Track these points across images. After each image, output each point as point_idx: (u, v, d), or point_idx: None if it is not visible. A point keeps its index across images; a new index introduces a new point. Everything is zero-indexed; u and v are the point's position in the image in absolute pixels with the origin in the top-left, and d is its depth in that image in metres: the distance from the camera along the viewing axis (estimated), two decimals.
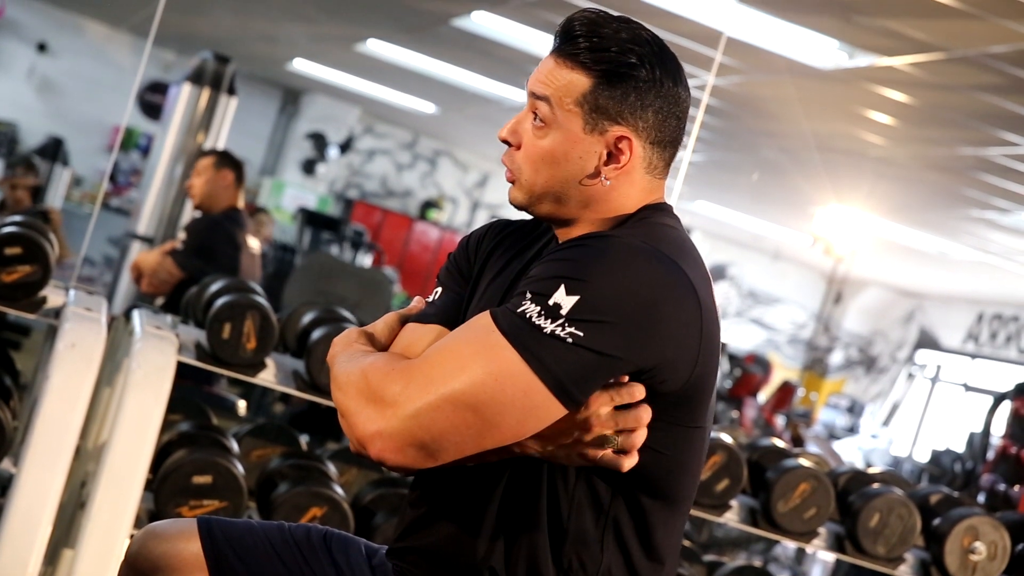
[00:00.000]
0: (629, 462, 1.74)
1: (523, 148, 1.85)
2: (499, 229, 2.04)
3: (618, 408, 1.72)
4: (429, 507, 1.89)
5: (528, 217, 2.00)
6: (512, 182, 1.87)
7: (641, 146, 1.83)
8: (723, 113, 9.16)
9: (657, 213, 1.86)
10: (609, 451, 1.74)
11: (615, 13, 1.85)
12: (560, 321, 1.65)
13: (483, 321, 1.70)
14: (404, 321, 1.94)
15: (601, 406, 1.71)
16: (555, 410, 1.68)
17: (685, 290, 1.71)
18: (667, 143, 1.86)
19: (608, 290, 1.67)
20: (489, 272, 1.97)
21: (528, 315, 1.67)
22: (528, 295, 1.69)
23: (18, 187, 7.94)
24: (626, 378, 1.71)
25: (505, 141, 1.87)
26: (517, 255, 1.96)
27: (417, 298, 2.00)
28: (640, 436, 1.74)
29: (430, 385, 1.67)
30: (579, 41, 1.81)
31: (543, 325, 1.66)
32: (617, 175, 1.83)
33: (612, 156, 1.82)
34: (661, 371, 1.71)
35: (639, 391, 1.72)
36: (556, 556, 1.79)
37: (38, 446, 3.19)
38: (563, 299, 1.66)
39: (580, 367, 1.66)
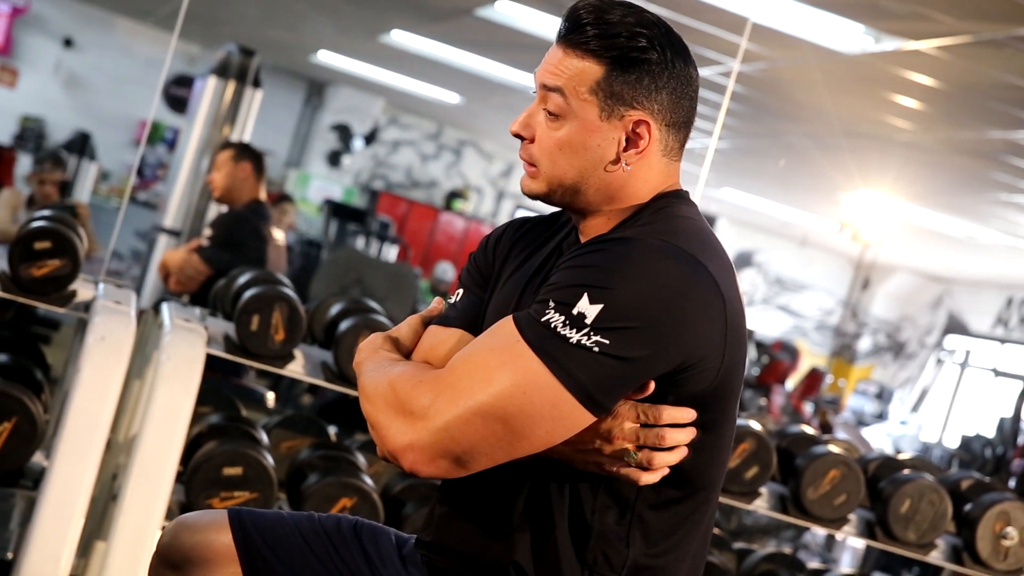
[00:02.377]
0: (647, 477, 1.75)
1: (538, 140, 1.84)
2: (517, 227, 2.04)
3: (643, 425, 1.72)
4: (456, 503, 1.90)
5: (546, 212, 2.00)
6: (532, 175, 1.86)
7: (658, 129, 1.82)
8: (749, 99, 9.13)
9: (674, 202, 1.85)
10: (625, 467, 1.74)
11: None
12: (585, 330, 1.65)
13: (507, 329, 1.70)
14: (427, 324, 1.94)
15: (626, 420, 1.72)
16: (584, 419, 1.68)
17: (707, 287, 1.71)
18: (682, 124, 1.86)
19: (631, 296, 1.66)
20: (508, 270, 1.98)
21: (553, 325, 1.67)
22: (551, 304, 1.68)
23: (46, 182, 7.98)
24: (652, 385, 1.71)
25: (518, 135, 1.87)
26: (535, 251, 1.96)
27: (437, 299, 2.00)
28: (661, 457, 1.74)
29: (458, 397, 1.67)
30: (587, 29, 1.80)
31: (568, 335, 1.66)
32: (637, 160, 1.82)
33: (631, 141, 1.82)
34: (689, 370, 1.71)
35: (666, 414, 1.73)
36: (580, 553, 1.79)
37: (69, 439, 3.21)
38: (587, 308, 1.66)
39: (608, 375, 1.66)
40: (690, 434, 1.75)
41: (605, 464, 1.74)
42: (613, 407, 1.71)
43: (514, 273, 1.96)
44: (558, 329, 1.66)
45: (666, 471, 1.75)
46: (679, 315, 1.68)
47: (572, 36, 1.82)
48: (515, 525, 1.82)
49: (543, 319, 1.68)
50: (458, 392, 1.67)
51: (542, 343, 1.66)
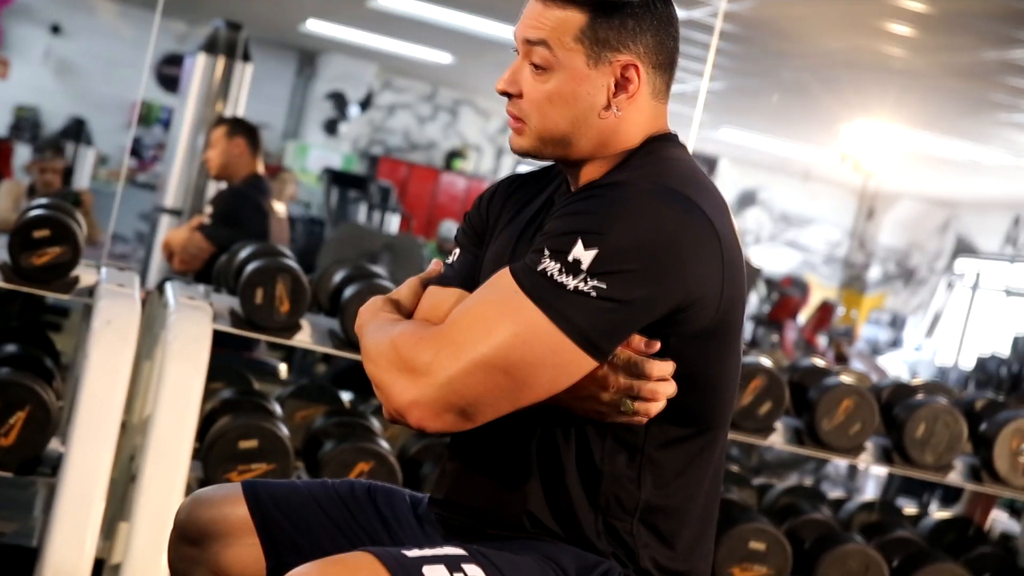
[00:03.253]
0: (642, 419, 1.75)
1: (526, 95, 1.84)
2: (509, 183, 2.05)
3: (637, 378, 1.73)
4: (466, 457, 1.91)
5: (537, 167, 2.00)
6: (519, 132, 1.86)
7: (646, 71, 1.82)
8: (741, 38, 9.08)
9: (663, 145, 1.85)
10: (622, 416, 1.75)
11: None
12: (582, 276, 1.66)
13: (505, 281, 1.71)
14: (426, 285, 1.95)
15: (620, 371, 1.72)
16: (585, 365, 1.69)
17: (702, 225, 1.71)
18: (667, 65, 1.85)
19: (625, 239, 1.67)
20: (502, 224, 1.98)
21: (549, 273, 1.67)
22: (546, 252, 1.69)
23: (47, 170, 7.99)
24: (657, 345, 1.72)
25: (505, 93, 1.86)
26: (528, 204, 1.97)
27: (435, 260, 2.00)
28: (656, 407, 1.75)
29: (460, 351, 1.67)
30: None
31: (565, 282, 1.66)
32: (627, 104, 1.82)
33: (620, 86, 1.81)
34: (689, 309, 1.71)
35: (657, 368, 1.73)
36: (592, 497, 1.80)
37: (83, 424, 3.22)
38: (582, 254, 1.67)
39: (607, 319, 1.67)
40: (673, 387, 1.75)
41: (603, 411, 1.75)
42: (613, 351, 1.71)
43: (508, 226, 1.96)
44: (554, 277, 1.67)
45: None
46: (675, 254, 1.68)
47: None
48: (526, 476, 1.83)
49: (539, 268, 1.68)
50: (459, 346, 1.68)
51: (539, 292, 1.67)
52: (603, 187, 1.76)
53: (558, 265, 1.67)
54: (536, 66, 1.82)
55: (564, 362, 1.68)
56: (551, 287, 1.67)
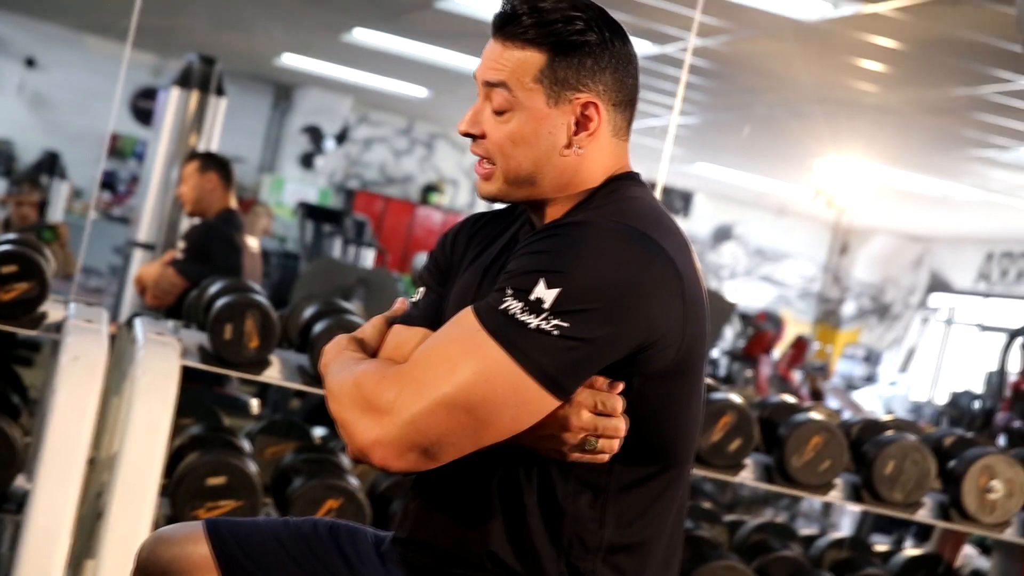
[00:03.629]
0: (604, 457, 1.76)
1: (489, 136, 1.85)
2: (473, 222, 2.05)
3: (599, 414, 1.73)
4: (429, 497, 1.90)
5: (500, 207, 2.01)
6: (486, 176, 1.87)
7: (606, 109, 1.84)
8: (714, 73, 9.13)
9: (624, 184, 1.87)
10: (585, 454, 1.75)
11: None
12: (544, 315, 1.66)
13: (468, 320, 1.71)
14: (391, 323, 1.95)
15: (583, 409, 1.73)
16: (547, 404, 1.69)
17: (663, 264, 1.72)
18: (627, 103, 1.87)
19: (587, 278, 1.68)
20: (466, 263, 1.99)
21: (511, 312, 1.68)
22: (509, 291, 1.70)
23: (24, 204, 7.98)
24: (620, 386, 1.73)
25: (468, 134, 1.87)
26: (492, 242, 1.98)
27: (400, 299, 2.00)
28: (616, 444, 1.75)
29: (423, 390, 1.68)
30: (522, 19, 1.81)
31: (528, 321, 1.67)
32: (588, 142, 1.84)
33: (580, 124, 1.83)
34: (651, 348, 1.72)
35: (620, 404, 1.74)
36: (555, 536, 1.79)
37: (50, 461, 3.20)
38: (544, 293, 1.67)
39: (569, 358, 1.67)
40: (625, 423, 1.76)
41: (566, 452, 1.75)
42: (575, 390, 1.71)
43: (472, 265, 1.97)
44: (517, 315, 1.67)
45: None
46: (636, 294, 1.69)
47: (509, 28, 1.82)
48: (488, 515, 1.82)
49: (501, 307, 1.69)
50: (422, 385, 1.68)
51: (502, 330, 1.67)
52: (565, 226, 1.77)
53: (520, 304, 1.68)
54: (497, 107, 1.83)
55: (526, 401, 1.68)
56: (513, 326, 1.67)
